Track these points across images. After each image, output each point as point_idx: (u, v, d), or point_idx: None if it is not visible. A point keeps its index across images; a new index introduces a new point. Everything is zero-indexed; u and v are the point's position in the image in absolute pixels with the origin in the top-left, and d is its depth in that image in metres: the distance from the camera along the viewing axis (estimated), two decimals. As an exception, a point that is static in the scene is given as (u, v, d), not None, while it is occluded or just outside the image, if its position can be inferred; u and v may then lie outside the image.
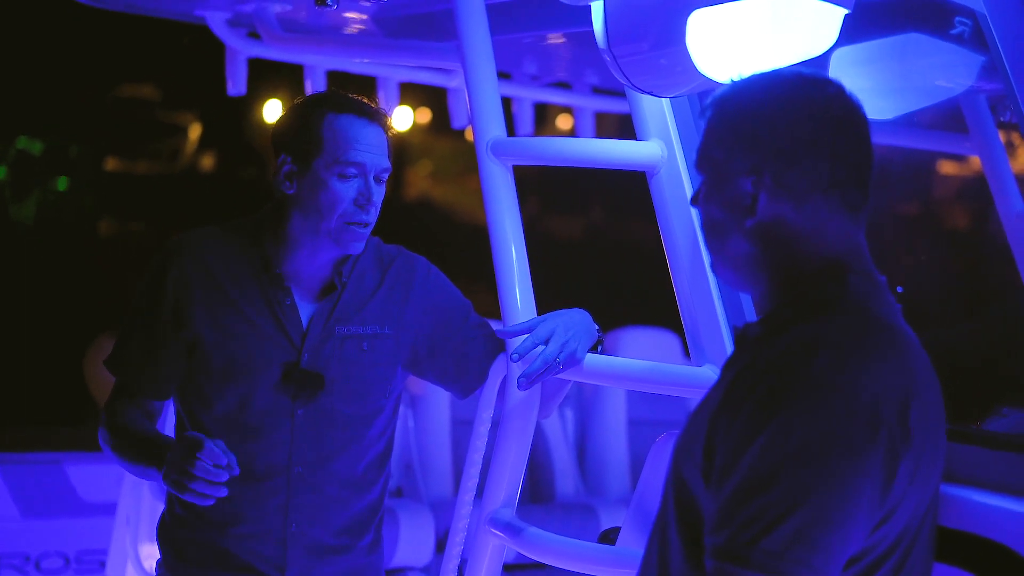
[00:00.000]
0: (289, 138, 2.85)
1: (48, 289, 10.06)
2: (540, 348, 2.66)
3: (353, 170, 2.81)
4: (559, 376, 2.72)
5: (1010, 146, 3.68)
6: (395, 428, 3.01)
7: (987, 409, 2.81)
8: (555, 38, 4.21)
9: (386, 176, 2.86)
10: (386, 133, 2.87)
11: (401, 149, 11.74)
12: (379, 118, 2.86)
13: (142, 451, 2.81)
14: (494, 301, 3.01)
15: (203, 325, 2.86)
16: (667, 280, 2.78)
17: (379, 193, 2.85)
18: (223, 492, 2.63)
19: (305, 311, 2.89)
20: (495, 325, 3.00)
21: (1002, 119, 3.57)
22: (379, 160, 2.83)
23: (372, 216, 2.84)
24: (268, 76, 5.20)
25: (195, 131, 11.94)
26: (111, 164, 11.83)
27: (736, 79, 1.96)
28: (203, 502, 2.66)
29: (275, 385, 2.85)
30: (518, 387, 2.70)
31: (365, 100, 2.89)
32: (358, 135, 2.82)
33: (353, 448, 2.90)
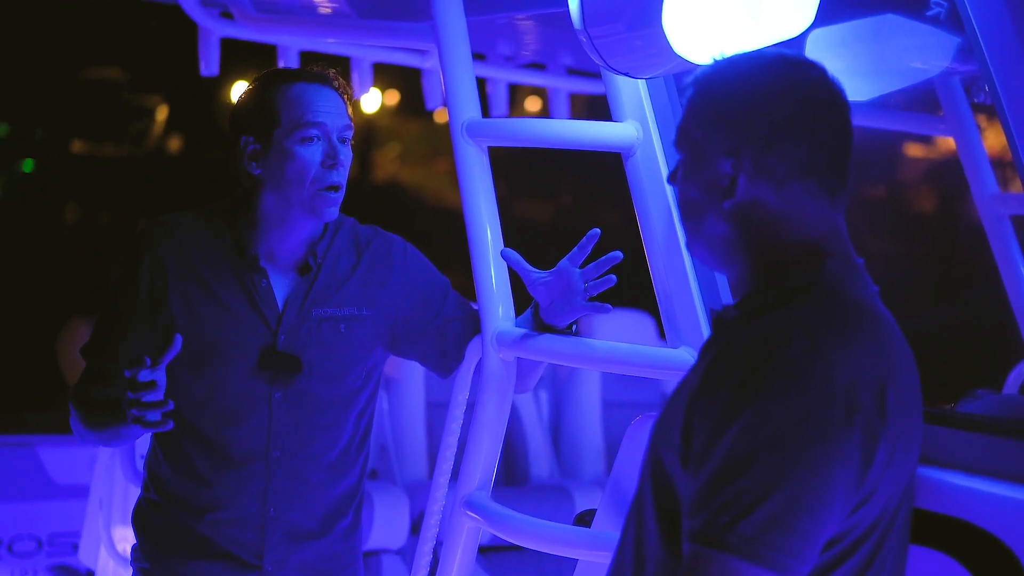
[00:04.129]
0: (247, 118, 2.84)
1: (16, 272, 9.99)
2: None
3: (314, 131, 2.79)
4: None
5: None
6: (374, 411, 3.01)
7: (961, 391, 2.82)
8: (529, 19, 4.20)
9: (349, 135, 2.84)
10: (341, 95, 2.86)
11: (369, 131, 11.70)
12: (331, 80, 2.85)
13: (106, 414, 2.79)
14: (465, 283, 3.00)
15: (178, 310, 2.84)
16: (637, 262, 2.78)
17: (345, 153, 2.83)
18: (168, 405, 2.60)
19: (281, 293, 2.88)
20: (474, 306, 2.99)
21: (976, 101, 3.58)
22: (339, 119, 2.82)
23: (342, 177, 2.82)
24: (235, 57, 5.17)
25: (162, 113, 11.87)
26: (77, 146, 11.75)
27: (718, 59, 1.95)
28: (160, 428, 2.62)
29: (252, 369, 2.84)
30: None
31: (316, 68, 2.89)
32: (313, 98, 2.81)
33: (331, 431, 2.89)
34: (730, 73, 1.91)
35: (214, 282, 2.86)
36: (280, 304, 2.87)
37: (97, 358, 2.92)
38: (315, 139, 2.80)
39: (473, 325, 2.93)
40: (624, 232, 2.82)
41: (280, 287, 2.88)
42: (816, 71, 1.91)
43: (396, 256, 2.96)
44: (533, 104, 10.72)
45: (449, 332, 2.94)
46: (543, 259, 2.75)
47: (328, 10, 3.83)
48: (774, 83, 1.88)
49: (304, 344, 2.86)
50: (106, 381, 2.89)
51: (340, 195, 2.83)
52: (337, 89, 2.86)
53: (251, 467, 2.86)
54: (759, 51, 1.95)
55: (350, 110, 2.88)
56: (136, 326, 2.87)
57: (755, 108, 1.87)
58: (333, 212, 2.84)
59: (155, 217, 2.95)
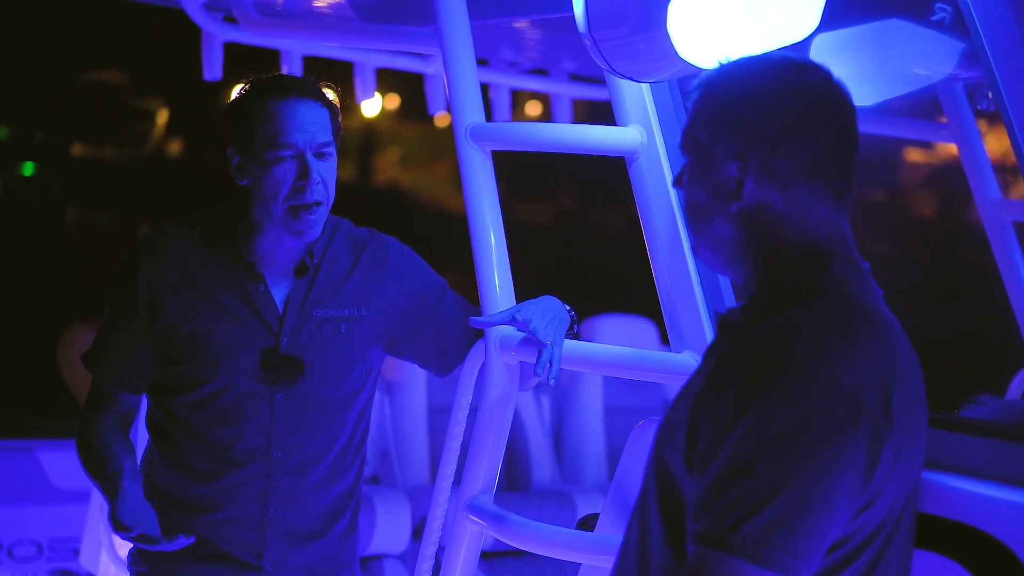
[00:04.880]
0: (231, 130, 2.84)
1: (16, 275, 9.98)
2: (550, 351, 2.67)
3: (287, 152, 2.77)
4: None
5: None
6: (371, 412, 3.02)
7: (964, 396, 2.82)
8: (532, 24, 4.20)
9: (328, 150, 2.82)
10: (325, 106, 2.83)
11: (369, 135, 11.70)
12: (312, 92, 2.82)
13: (97, 479, 2.87)
14: (463, 286, 3.00)
15: (179, 317, 2.84)
16: (637, 267, 2.78)
17: (322, 170, 2.80)
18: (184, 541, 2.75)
19: (280, 296, 2.88)
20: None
21: (979, 107, 3.59)
22: (313, 137, 2.79)
23: (319, 194, 2.80)
24: (238, 61, 5.17)
25: (162, 116, 11.86)
26: (78, 149, 11.74)
27: (723, 62, 1.95)
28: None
29: (254, 371, 2.84)
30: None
31: (302, 78, 2.88)
32: (287, 115, 2.78)
33: (331, 431, 2.90)
34: (736, 76, 1.91)
35: (213, 287, 2.86)
36: (280, 306, 2.87)
37: (99, 371, 2.93)
38: (288, 159, 2.78)
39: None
40: (625, 235, 2.82)
41: (279, 289, 2.88)
42: (822, 74, 1.91)
43: (393, 257, 2.96)
44: (534, 109, 10.72)
45: (448, 332, 2.95)
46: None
47: (331, 13, 3.83)
48: (780, 86, 1.88)
49: (306, 345, 2.86)
50: (110, 399, 2.91)
51: (320, 212, 2.81)
52: (319, 100, 2.83)
53: (252, 467, 2.86)
54: (765, 54, 1.95)
55: (339, 117, 2.86)
56: (135, 335, 2.87)
57: (761, 111, 1.87)
58: (313, 232, 2.83)
59: (154, 225, 2.95)
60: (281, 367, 2.84)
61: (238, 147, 2.82)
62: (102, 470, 2.85)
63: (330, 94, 2.87)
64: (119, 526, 2.74)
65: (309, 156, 2.79)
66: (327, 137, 2.81)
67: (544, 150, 2.85)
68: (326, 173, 2.81)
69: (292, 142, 2.77)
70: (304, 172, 2.78)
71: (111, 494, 2.79)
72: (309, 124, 2.79)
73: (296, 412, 2.86)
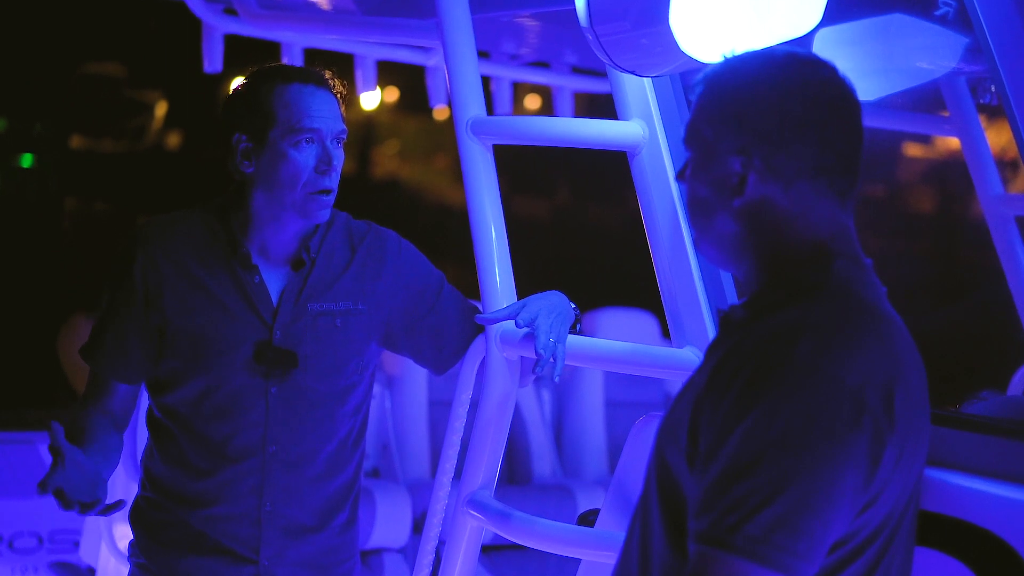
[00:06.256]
0: (241, 116, 2.83)
1: (15, 268, 9.98)
2: (549, 343, 2.67)
3: (309, 136, 2.79)
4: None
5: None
6: (369, 406, 3.01)
7: (966, 393, 2.82)
8: (533, 17, 4.19)
9: (343, 138, 2.84)
10: (337, 97, 2.86)
11: (368, 129, 11.69)
12: (327, 83, 2.85)
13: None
14: (463, 280, 2.99)
15: (173, 309, 2.84)
16: (637, 261, 2.77)
17: (339, 157, 2.83)
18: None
19: (275, 289, 2.87)
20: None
21: (982, 101, 3.58)
22: (334, 124, 2.82)
23: (334, 181, 2.82)
24: (238, 54, 5.17)
25: (161, 109, 11.85)
26: (76, 142, 11.73)
27: (728, 56, 1.94)
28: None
29: (248, 364, 2.83)
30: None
31: (317, 69, 2.89)
32: (309, 102, 2.80)
33: (327, 426, 2.89)
34: (741, 71, 1.90)
35: (208, 279, 2.85)
36: (275, 299, 2.86)
37: (96, 363, 2.92)
38: (310, 143, 2.79)
39: (468, 323, 2.93)
40: (624, 230, 2.82)
41: (273, 282, 2.88)
42: (827, 70, 1.90)
43: (390, 250, 2.96)
44: (533, 102, 10.71)
45: (445, 328, 2.94)
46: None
47: (332, 7, 3.82)
48: (785, 82, 1.87)
49: (300, 339, 2.85)
50: (104, 392, 2.90)
51: (332, 198, 2.83)
52: (332, 91, 2.85)
53: (247, 462, 2.86)
54: (770, 49, 1.94)
55: (344, 111, 2.87)
56: (132, 325, 2.87)
57: (766, 107, 1.86)
58: (324, 214, 2.84)
59: (149, 217, 2.95)
60: (274, 360, 2.83)
61: (249, 132, 2.82)
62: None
63: (342, 88, 2.89)
64: (42, 486, 2.64)
65: (328, 142, 2.80)
66: (343, 126, 2.84)
67: (546, 144, 2.85)
68: (339, 161, 2.83)
69: (316, 127, 2.79)
70: (327, 157, 2.79)
71: (55, 454, 2.70)
72: (329, 111, 2.82)
73: (291, 406, 2.85)
